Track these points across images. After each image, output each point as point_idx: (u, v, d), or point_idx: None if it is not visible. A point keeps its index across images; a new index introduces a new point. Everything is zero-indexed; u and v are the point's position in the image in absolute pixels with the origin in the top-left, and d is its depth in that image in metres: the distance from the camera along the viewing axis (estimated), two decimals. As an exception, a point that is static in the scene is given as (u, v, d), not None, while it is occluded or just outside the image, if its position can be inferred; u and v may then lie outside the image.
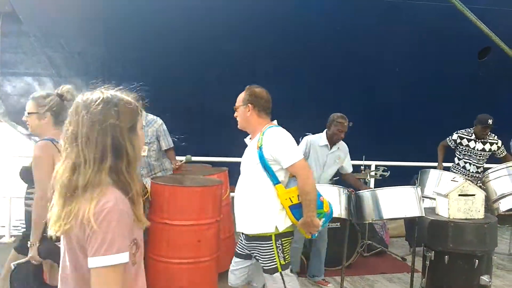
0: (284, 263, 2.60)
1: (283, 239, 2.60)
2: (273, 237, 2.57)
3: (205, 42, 7.12)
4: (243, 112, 2.71)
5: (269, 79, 7.40)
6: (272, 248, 2.57)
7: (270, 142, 2.56)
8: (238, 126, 2.92)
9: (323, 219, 2.67)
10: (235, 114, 2.86)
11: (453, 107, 8.09)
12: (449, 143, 5.07)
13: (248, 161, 2.69)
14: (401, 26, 7.41)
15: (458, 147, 5.01)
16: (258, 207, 2.60)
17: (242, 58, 7.24)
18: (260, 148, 2.57)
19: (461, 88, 8.15)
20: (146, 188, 3.43)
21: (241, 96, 2.76)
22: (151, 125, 4.00)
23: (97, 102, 1.26)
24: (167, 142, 4.11)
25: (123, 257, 1.22)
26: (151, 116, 4.03)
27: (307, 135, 4.87)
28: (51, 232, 1.27)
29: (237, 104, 2.77)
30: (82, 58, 7.53)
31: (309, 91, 7.55)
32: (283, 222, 2.59)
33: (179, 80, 7.38)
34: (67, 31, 7.42)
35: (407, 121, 8.22)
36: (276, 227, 2.56)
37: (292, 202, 2.55)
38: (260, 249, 2.62)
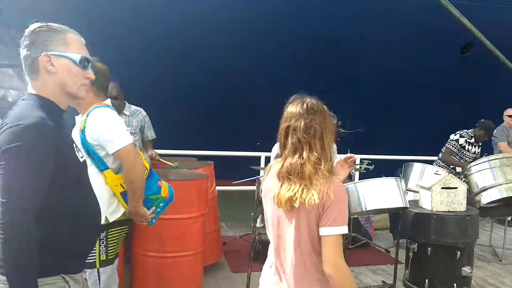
0: (104, 258, 2.33)
1: (110, 230, 2.35)
2: None
3: (187, 31, 7.05)
4: None
5: (252, 72, 7.40)
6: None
7: (93, 125, 2.26)
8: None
9: (161, 204, 2.48)
10: None
11: (436, 101, 8.21)
12: (453, 148, 5.09)
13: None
14: (386, 21, 7.45)
15: (460, 151, 5.08)
16: None
17: (224, 50, 7.20)
18: (82, 130, 2.28)
19: (444, 83, 8.26)
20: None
21: None
22: (136, 115, 3.94)
23: (324, 107, 1.72)
24: (152, 132, 4.07)
25: (346, 229, 1.59)
26: (134, 107, 3.97)
27: None
28: (290, 204, 1.60)
29: None
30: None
31: (292, 86, 7.55)
32: (114, 212, 2.36)
33: (162, 71, 7.30)
34: (48, 22, 7.27)
35: (391, 115, 8.31)
36: (106, 218, 2.31)
37: (123, 188, 2.33)
38: None
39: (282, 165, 1.67)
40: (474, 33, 5.58)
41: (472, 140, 5.05)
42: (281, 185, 1.64)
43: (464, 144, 5.04)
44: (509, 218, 5.31)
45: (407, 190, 3.66)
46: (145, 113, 4.01)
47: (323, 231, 1.57)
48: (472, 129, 5.11)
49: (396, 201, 3.43)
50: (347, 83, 7.85)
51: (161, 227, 3.26)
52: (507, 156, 4.67)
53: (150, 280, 3.28)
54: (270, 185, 1.72)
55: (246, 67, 7.33)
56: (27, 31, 1.56)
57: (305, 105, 1.69)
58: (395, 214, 4.30)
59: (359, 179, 5.83)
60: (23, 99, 1.52)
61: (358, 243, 4.92)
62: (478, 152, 5.16)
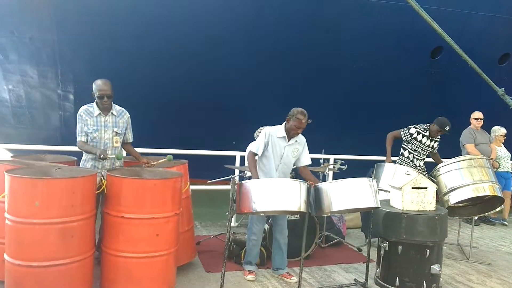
0: None
1: None
2: None
3: (163, 30, 6.96)
4: None
5: (228, 72, 7.37)
6: None
7: None
8: None
9: None
10: None
11: (407, 102, 8.41)
12: (403, 135, 5.09)
13: None
14: (358, 24, 7.57)
15: (411, 141, 5.11)
16: None
17: (199, 49, 7.14)
18: None
19: (415, 85, 8.48)
20: (102, 180, 3.31)
21: None
22: (122, 116, 3.81)
23: None
24: (132, 134, 3.96)
25: None
26: (118, 107, 3.84)
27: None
28: None
29: None
30: (32, 43, 7.16)
31: (267, 86, 7.56)
32: None
33: (134, 70, 7.18)
34: (16, 15, 7.02)
35: (364, 116, 8.44)
36: None
37: None
38: None
39: None
40: (443, 37, 5.73)
41: (427, 134, 5.06)
42: None
43: (416, 135, 5.04)
44: (476, 218, 5.48)
45: (378, 189, 3.73)
46: (128, 115, 3.89)
47: None
48: (429, 124, 5.13)
49: (367, 200, 3.49)
50: (324, 83, 7.93)
51: (133, 227, 3.20)
52: (474, 157, 4.83)
53: (121, 280, 3.21)
54: None
55: (222, 66, 7.30)
56: None
57: None
58: (367, 213, 4.37)
59: (333, 179, 5.91)
60: None
61: (331, 242, 4.97)
62: (433, 147, 5.11)
